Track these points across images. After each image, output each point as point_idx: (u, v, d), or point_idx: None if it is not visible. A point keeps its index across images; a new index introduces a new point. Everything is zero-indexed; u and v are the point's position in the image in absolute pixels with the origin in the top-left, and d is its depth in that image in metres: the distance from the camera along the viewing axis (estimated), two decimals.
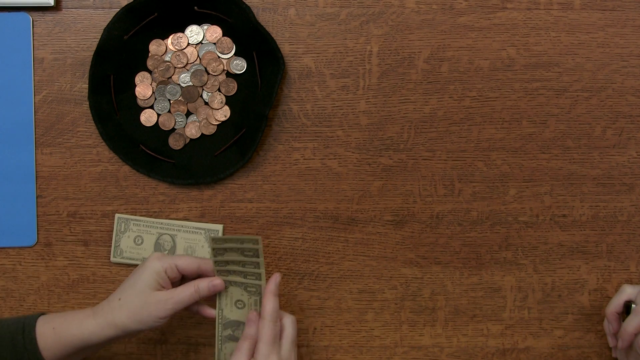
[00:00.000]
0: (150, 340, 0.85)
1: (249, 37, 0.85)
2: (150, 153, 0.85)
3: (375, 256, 0.86)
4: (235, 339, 0.77)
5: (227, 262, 0.75)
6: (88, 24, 0.86)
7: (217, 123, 0.85)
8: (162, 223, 0.85)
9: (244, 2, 0.84)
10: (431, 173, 0.86)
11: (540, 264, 0.86)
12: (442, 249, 0.86)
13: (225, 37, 0.85)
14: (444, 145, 0.86)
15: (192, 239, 0.85)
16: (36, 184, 0.85)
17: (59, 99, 0.86)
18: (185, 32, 0.85)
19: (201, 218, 0.86)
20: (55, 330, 0.73)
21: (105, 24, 0.84)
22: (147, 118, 0.85)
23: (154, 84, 0.85)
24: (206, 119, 0.85)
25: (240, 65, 0.85)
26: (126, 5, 0.84)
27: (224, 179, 0.86)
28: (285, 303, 0.86)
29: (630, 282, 0.86)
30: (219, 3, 0.84)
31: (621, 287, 0.81)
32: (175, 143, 0.85)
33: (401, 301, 0.86)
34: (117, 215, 0.85)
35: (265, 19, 0.86)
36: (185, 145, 0.86)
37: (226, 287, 0.76)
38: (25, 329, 0.73)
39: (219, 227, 0.85)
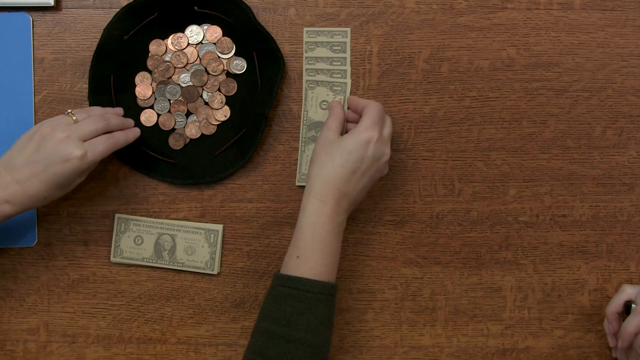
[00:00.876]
0: (150, 340, 0.86)
1: (249, 37, 0.85)
2: (150, 153, 0.85)
3: (375, 256, 0.86)
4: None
5: (316, 59, 0.79)
6: (88, 24, 0.86)
7: (217, 123, 0.85)
8: (162, 223, 0.85)
9: (244, 2, 0.84)
10: (431, 173, 0.86)
11: (540, 264, 0.86)
12: (442, 249, 0.86)
13: (225, 37, 0.85)
14: (444, 145, 0.86)
15: (192, 239, 0.85)
16: None
17: (59, 99, 0.86)
18: (185, 32, 0.85)
19: (201, 218, 0.86)
20: None
21: (105, 24, 0.84)
22: (147, 118, 0.85)
23: (154, 84, 0.85)
24: (206, 119, 0.85)
25: (240, 65, 0.85)
26: (126, 5, 0.84)
27: (224, 179, 0.86)
28: None
29: (630, 282, 0.86)
30: (219, 3, 0.84)
31: (621, 287, 0.81)
32: (175, 143, 0.85)
33: (401, 301, 0.86)
34: (117, 215, 0.85)
35: (265, 19, 0.86)
36: (185, 145, 0.86)
37: (312, 88, 0.81)
38: None
39: (219, 227, 0.85)
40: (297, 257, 0.74)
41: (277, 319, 0.71)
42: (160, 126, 0.85)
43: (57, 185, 0.74)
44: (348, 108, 0.82)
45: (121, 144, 0.79)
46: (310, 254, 0.73)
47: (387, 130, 0.78)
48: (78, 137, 0.74)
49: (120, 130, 0.80)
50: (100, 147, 0.75)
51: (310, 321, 0.71)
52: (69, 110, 0.78)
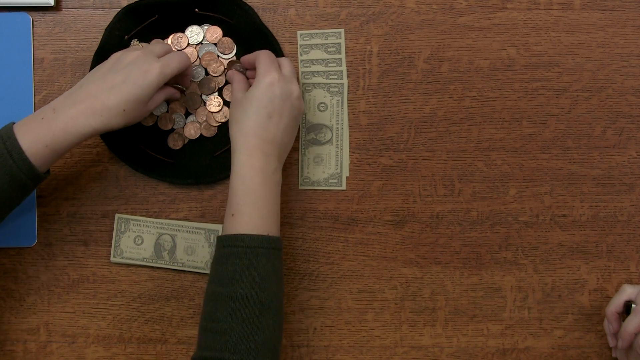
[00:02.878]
0: (150, 340, 0.86)
1: (251, 38, 0.84)
2: (150, 153, 0.85)
3: (375, 256, 0.86)
4: (317, 142, 0.81)
5: (312, 62, 0.79)
6: (88, 24, 0.86)
7: (218, 124, 0.85)
8: (162, 223, 0.85)
9: (247, 3, 0.84)
10: (431, 173, 0.86)
11: (540, 264, 0.86)
12: (442, 249, 0.86)
13: (226, 38, 0.85)
14: (444, 145, 0.86)
15: (192, 239, 0.85)
16: None
17: None
18: (186, 32, 0.85)
19: (201, 218, 0.86)
20: (49, 147, 0.71)
21: (106, 24, 0.84)
22: (146, 119, 0.85)
23: None
24: (206, 121, 0.85)
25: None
26: (127, 6, 0.84)
27: (224, 179, 0.85)
28: (286, 303, 0.86)
29: (630, 282, 0.86)
30: (220, 4, 0.84)
31: (621, 287, 0.81)
32: (174, 143, 0.85)
33: (401, 301, 0.86)
34: (117, 215, 0.85)
35: (265, 19, 0.86)
36: (185, 146, 0.86)
37: (309, 90, 0.82)
38: (13, 155, 0.70)
39: (219, 227, 0.85)
40: (232, 215, 0.73)
41: (220, 280, 0.71)
42: (159, 125, 0.85)
43: (137, 97, 0.73)
44: (246, 69, 0.82)
45: (190, 63, 0.80)
46: (244, 209, 0.73)
47: (287, 69, 0.78)
48: (152, 53, 0.76)
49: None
50: (175, 61, 0.76)
51: (253, 277, 0.70)
52: (135, 40, 0.81)
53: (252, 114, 0.75)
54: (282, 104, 0.75)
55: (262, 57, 0.78)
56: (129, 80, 0.73)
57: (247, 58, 0.82)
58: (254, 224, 0.72)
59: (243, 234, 0.72)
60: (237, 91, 0.79)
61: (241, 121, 0.75)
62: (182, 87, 0.83)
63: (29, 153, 0.70)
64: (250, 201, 0.73)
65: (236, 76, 0.81)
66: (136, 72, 0.73)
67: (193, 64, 0.85)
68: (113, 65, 0.75)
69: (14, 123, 0.72)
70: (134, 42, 0.83)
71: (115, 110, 0.73)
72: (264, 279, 0.71)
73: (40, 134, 0.71)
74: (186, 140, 0.85)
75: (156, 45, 0.79)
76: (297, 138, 0.85)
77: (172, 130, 0.85)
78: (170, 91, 0.80)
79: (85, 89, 0.73)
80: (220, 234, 0.74)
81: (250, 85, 0.79)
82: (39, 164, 0.71)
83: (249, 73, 0.82)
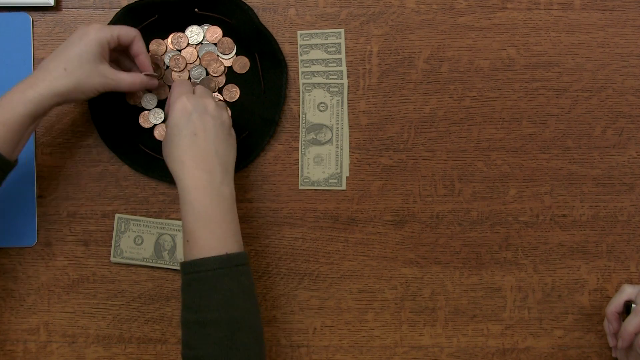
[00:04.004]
0: (150, 340, 0.86)
1: (251, 38, 0.84)
2: (150, 152, 0.85)
3: (375, 256, 0.86)
4: (317, 142, 0.81)
5: (312, 62, 0.79)
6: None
7: None
8: (162, 223, 0.85)
9: (246, 4, 0.84)
10: (431, 173, 0.86)
11: (540, 264, 0.86)
12: (442, 249, 0.86)
13: (226, 38, 0.85)
14: (444, 145, 0.86)
15: None
16: (36, 184, 0.85)
17: None
18: (186, 32, 0.85)
19: None
20: (5, 125, 0.71)
21: (105, 24, 0.84)
22: (146, 119, 0.85)
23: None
24: None
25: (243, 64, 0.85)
26: (127, 6, 0.84)
27: None
28: (286, 303, 0.86)
29: (630, 282, 0.86)
30: (220, 4, 0.84)
31: (621, 287, 0.81)
32: None
33: (401, 301, 0.86)
34: (117, 215, 0.85)
35: (265, 19, 0.86)
36: None
37: (309, 90, 0.82)
38: None
39: None
40: (187, 241, 0.72)
41: (189, 307, 0.70)
42: (158, 138, 0.85)
43: (75, 55, 0.74)
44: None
45: (136, 36, 0.79)
46: (197, 234, 0.71)
47: (198, 90, 0.77)
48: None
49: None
50: (117, 27, 0.77)
51: (219, 299, 0.69)
52: None
53: (178, 140, 0.74)
54: (201, 118, 0.74)
55: (172, 88, 0.78)
56: (68, 43, 0.75)
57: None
58: (210, 246, 0.71)
59: (201, 259, 0.70)
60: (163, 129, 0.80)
61: (172, 152, 0.74)
62: (154, 73, 0.81)
63: None
64: (201, 225, 0.71)
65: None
66: (75, 35, 0.75)
67: (193, 64, 0.85)
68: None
69: None
70: None
71: (55, 72, 0.73)
72: (231, 299, 0.69)
73: None
74: None
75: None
76: (297, 138, 0.85)
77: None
78: (140, 77, 0.79)
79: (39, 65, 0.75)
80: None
81: None
82: (3, 150, 0.71)
83: None
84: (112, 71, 0.77)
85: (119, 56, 0.82)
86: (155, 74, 0.82)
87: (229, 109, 0.83)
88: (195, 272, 0.70)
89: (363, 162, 0.86)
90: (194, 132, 0.74)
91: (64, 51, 0.74)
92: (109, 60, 0.78)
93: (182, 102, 0.75)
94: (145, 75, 0.80)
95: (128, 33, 0.78)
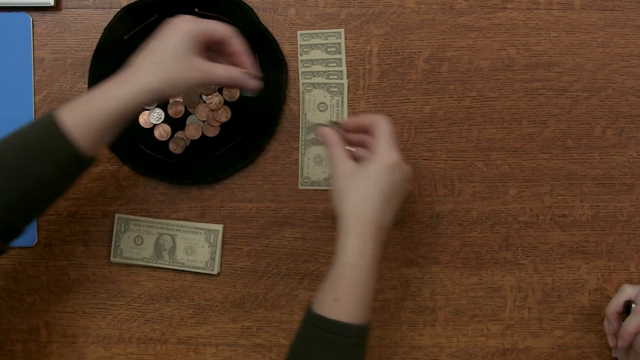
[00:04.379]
0: (150, 340, 0.86)
1: (251, 38, 0.84)
2: (150, 152, 0.85)
3: None
4: (317, 142, 0.82)
5: (312, 62, 0.79)
6: (88, 24, 0.86)
7: (218, 125, 0.85)
8: (162, 223, 0.85)
9: (246, 4, 0.84)
10: (431, 173, 0.86)
11: (540, 264, 0.86)
12: (442, 249, 0.86)
13: None
14: (444, 145, 0.86)
15: (192, 239, 0.85)
16: None
17: (59, 99, 0.86)
18: None
19: (201, 218, 0.86)
20: (86, 115, 0.68)
21: (105, 24, 0.84)
22: (146, 120, 0.85)
23: None
24: (207, 121, 0.85)
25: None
26: (127, 6, 0.84)
27: (224, 179, 0.86)
28: (286, 303, 0.86)
29: (630, 282, 0.86)
30: (220, 4, 0.84)
31: (621, 287, 0.81)
32: (175, 148, 0.85)
33: (401, 301, 0.86)
34: (117, 215, 0.85)
35: (265, 19, 0.86)
36: (186, 147, 0.86)
37: (309, 90, 0.82)
38: (52, 132, 0.67)
39: (219, 227, 0.85)
40: (336, 299, 0.69)
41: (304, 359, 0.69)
42: (158, 138, 0.85)
43: (165, 48, 0.70)
44: (335, 123, 0.77)
45: (231, 35, 0.73)
46: (349, 298, 0.69)
47: (394, 145, 0.73)
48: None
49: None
50: (211, 22, 0.72)
51: None
52: None
53: (371, 197, 0.70)
54: (400, 188, 0.72)
55: (384, 131, 0.72)
56: (160, 37, 0.71)
57: (355, 122, 0.76)
58: (357, 314, 0.69)
59: (344, 323, 0.68)
60: (340, 159, 0.72)
61: (357, 203, 0.70)
62: (254, 73, 0.74)
63: (76, 136, 0.67)
64: (358, 291, 0.69)
65: (332, 139, 0.74)
66: (167, 28, 0.71)
67: None
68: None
69: (54, 109, 0.69)
70: None
71: (145, 67, 0.70)
72: None
73: (81, 110, 0.68)
74: (188, 143, 0.85)
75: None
76: (297, 138, 0.85)
77: (172, 136, 0.85)
78: (238, 71, 0.73)
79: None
80: (312, 306, 0.71)
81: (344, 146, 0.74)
82: (84, 145, 0.67)
83: (352, 136, 0.76)
84: (205, 63, 0.71)
85: (216, 57, 0.75)
86: (257, 74, 0.75)
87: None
88: (334, 332, 0.68)
89: None
90: (388, 199, 0.71)
91: (155, 46, 0.70)
92: (202, 56, 0.72)
93: (393, 161, 0.70)
94: (244, 71, 0.73)
95: (221, 29, 0.72)
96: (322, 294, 0.70)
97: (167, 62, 0.70)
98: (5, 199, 0.66)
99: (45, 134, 0.67)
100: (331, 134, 0.74)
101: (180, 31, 0.70)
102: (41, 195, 0.69)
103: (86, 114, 0.68)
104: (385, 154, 0.71)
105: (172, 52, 0.70)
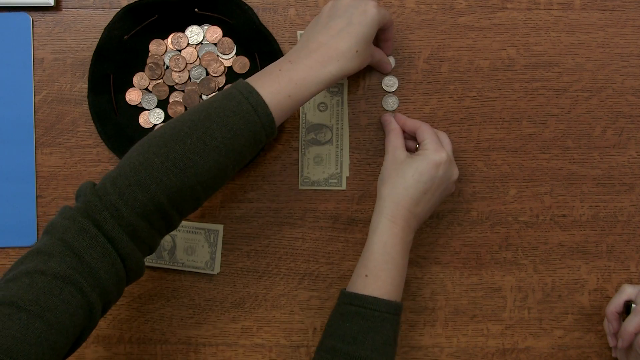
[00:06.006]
0: (150, 341, 0.86)
1: (251, 38, 0.84)
2: None
3: None
4: (317, 142, 0.82)
5: None
6: (88, 24, 0.86)
7: None
8: None
9: (246, 4, 0.84)
10: None
11: (540, 264, 0.86)
12: (442, 249, 0.86)
13: (226, 38, 0.85)
14: None
15: (192, 239, 0.85)
16: (36, 184, 0.85)
17: (59, 99, 0.86)
18: (186, 32, 0.85)
19: (201, 218, 0.86)
20: (292, 97, 0.70)
21: (105, 24, 0.84)
22: (146, 120, 0.85)
23: (152, 83, 0.85)
24: None
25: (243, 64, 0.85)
26: (127, 6, 0.84)
27: None
28: (286, 303, 0.86)
29: (630, 282, 0.86)
30: (220, 4, 0.84)
31: (621, 287, 0.81)
32: None
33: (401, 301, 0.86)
34: None
35: (265, 19, 0.86)
36: None
37: None
38: (257, 110, 0.68)
39: (219, 227, 0.85)
40: (366, 275, 0.74)
41: (342, 337, 0.71)
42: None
43: (364, 36, 0.73)
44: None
45: (391, 21, 0.80)
46: (379, 273, 0.74)
47: (449, 147, 0.80)
48: None
49: None
50: (383, 8, 0.77)
51: (376, 340, 0.71)
52: None
53: (410, 185, 0.75)
54: (441, 185, 0.77)
55: (431, 133, 0.79)
56: (353, 21, 0.73)
57: (404, 120, 0.82)
58: (386, 289, 0.73)
59: (375, 297, 0.72)
60: (396, 148, 0.79)
61: (396, 187, 0.76)
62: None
63: (272, 106, 0.68)
64: (387, 267, 0.74)
65: (394, 127, 0.81)
66: (357, 13, 0.73)
67: (193, 64, 0.85)
68: (330, 12, 0.74)
69: (242, 79, 0.70)
70: None
71: (348, 53, 0.72)
72: (385, 344, 0.71)
73: (282, 85, 0.69)
74: None
75: None
76: (297, 138, 0.85)
77: None
78: (383, 54, 0.82)
79: (314, 39, 0.73)
80: (347, 289, 0.75)
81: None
82: (277, 117, 0.69)
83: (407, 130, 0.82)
84: (376, 50, 0.80)
85: None
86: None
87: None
88: (364, 307, 0.72)
89: (363, 162, 0.86)
90: (426, 191, 0.76)
91: (350, 30, 0.73)
92: None
93: (440, 159, 0.76)
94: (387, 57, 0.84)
95: (390, 17, 0.78)
96: (354, 274, 0.75)
97: (364, 50, 0.73)
98: (203, 177, 0.66)
99: (246, 105, 0.67)
100: (393, 122, 0.82)
101: (373, 18, 0.74)
102: (232, 165, 0.69)
103: (295, 99, 0.70)
104: (433, 150, 0.77)
105: (366, 40, 0.74)
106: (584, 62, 0.86)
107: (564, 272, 0.86)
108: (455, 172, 0.78)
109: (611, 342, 0.83)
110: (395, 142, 0.80)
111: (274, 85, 0.69)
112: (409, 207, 0.75)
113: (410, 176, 0.76)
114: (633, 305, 0.79)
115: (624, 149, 0.86)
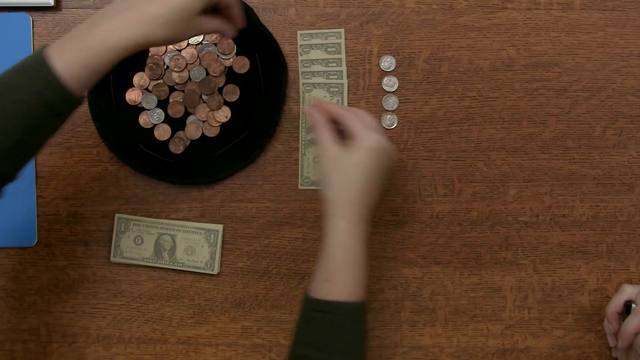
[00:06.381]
0: (150, 340, 0.86)
1: (251, 38, 0.84)
2: (150, 152, 0.85)
3: (375, 256, 0.86)
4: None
5: (312, 62, 0.79)
6: None
7: (218, 124, 0.85)
8: (162, 223, 0.85)
9: (246, 4, 0.84)
10: (431, 173, 0.86)
11: (540, 264, 0.86)
12: (442, 249, 0.86)
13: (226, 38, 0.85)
14: (444, 145, 0.86)
15: (192, 239, 0.85)
16: (36, 184, 0.85)
17: None
18: None
19: (201, 218, 0.86)
20: (88, 66, 0.65)
21: None
22: (145, 120, 0.85)
23: (152, 83, 0.85)
24: (207, 121, 0.85)
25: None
26: None
27: (224, 179, 0.86)
28: (286, 303, 0.86)
29: (630, 282, 0.86)
30: None
31: (621, 287, 0.81)
32: (175, 148, 0.85)
33: (401, 301, 0.86)
34: (117, 215, 0.85)
35: (265, 19, 0.86)
36: (186, 147, 0.86)
37: (309, 90, 0.82)
38: (51, 85, 0.64)
39: (219, 227, 0.85)
40: (328, 280, 0.71)
41: (312, 344, 0.70)
42: (158, 138, 0.85)
43: (180, 7, 0.67)
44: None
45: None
46: (342, 276, 0.71)
47: (374, 124, 0.75)
48: None
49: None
50: None
51: (345, 343, 0.70)
52: None
53: (356, 180, 0.72)
54: (382, 166, 0.73)
55: (352, 119, 0.74)
56: None
57: (329, 110, 0.76)
58: (350, 291, 0.71)
59: (339, 302, 0.70)
60: (328, 143, 0.74)
61: (343, 186, 0.72)
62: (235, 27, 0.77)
63: (67, 77, 0.64)
64: (348, 269, 0.71)
65: (322, 124, 0.76)
66: None
67: (193, 64, 0.85)
68: None
69: (46, 46, 0.66)
70: None
71: (157, 20, 0.67)
72: (355, 345, 0.71)
73: (76, 53, 0.65)
74: (188, 143, 0.85)
75: None
76: (297, 138, 0.85)
77: (172, 136, 0.85)
78: (222, 24, 0.74)
79: (124, 0, 0.68)
80: (308, 293, 0.73)
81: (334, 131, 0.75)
82: (76, 87, 0.65)
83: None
84: (204, 23, 0.71)
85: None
86: (241, 26, 0.77)
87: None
88: (331, 312, 0.70)
89: None
90: (374, 180, 0.73)
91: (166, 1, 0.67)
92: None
93: (377, 144, 0.72)
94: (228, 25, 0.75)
95: None
96: (315, 279, 0.73)
97: (176, 22, 0.68)
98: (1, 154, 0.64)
99: (37, 79, 0.64)
100: (316, 114, 0.76)
101: None
102: (32, 140, 0.67)
103: (84, 62, 0.65)
104: (366, 138, 0.72)
105: (181, 13, 0.68)
106: (584, 62, 0.86)
107: (564, 272, 0.86)
108: (393, 151, 0.75)
109: (611, 342, 0.83)
110: (324, 138, 0.74)
111: (68, 54, 0.65)
112: (359, 201, 0.72)
113: (352, 171, 0.72)
114: (633, 305, 0.79)
115: (624, 149, 0.86)
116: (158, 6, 0.67)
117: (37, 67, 0.65)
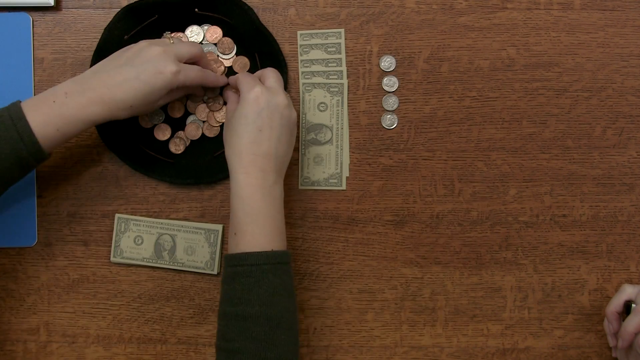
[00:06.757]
0: (150, 340, 0.86)
1: (251, 38, 0.85)
2: (150, 152, 0.85)
3: (375, 256, 0.86)
4: (317, 142, 0.82)
5: (312, 62, 0.80)
6: (88, 24, 0.86)
7: (218, 124, 0.85)
8: (162, 223, 0.85)
9: (246, 4, 0.84)
10: (431, 173, 0.86)
11: (540, 264, 0.86)
12: (442, 249, 0.86)
13: (226, 38, 0.85)
14: (444, 145, 0.86)
15: (192, 239, 0.85)
16: (36, 184, 0.85)
17: None
18: (186, 32, 0.85)
19: (201, 218, 0.86)
20: (60, 130, 0.72)
21: (105, 24, 0.84)
22: (146, 120, 0.85)
23: None
24: (207, 120, 0.85)
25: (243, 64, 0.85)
26: (127, 6, 0.84)
27: (224, 179, 0.86)
28: None
29: (630, 282, 0.86)
30: (220, 5, 0.84)
31: (621, 287, 0.81)
32: (175, 148, 0.85)
33: (401, 301, 0.86)
34: (117, 215, 0.85)
35: (265, 19, 0.86)
36: (186, 147, 0.86)
37: (309, 90, 0.83)
38: (24, 138, 0.70)
39: (219, 227, 0.85)
40: (235, 234, 0.73)
41: (229, 300, 0.71)
42: (158, 138, 0.85)
43: (145, 95, 0.73)
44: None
45: (210, 82, 0.80)
46: (246, 228, 0.73)
47: (270, 80, 0.78)
48: (174, 54, 0.75)
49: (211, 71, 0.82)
50: (193, 73, 0.77)
51: (261, 294, 0.70)
52: (168, 32, 0.82)
53: (242, 131, 0.75)
54: (271, 115, 0.75)
55: (242, 76, 0.78)
56: (140, 77, 0.73)
57: (231, 81, 0.82)
58: (257, 242, 0.73)
59: (247, 252, 0.72)
60: (229, 112, 0.80)
61: (233, 141, 0.75)
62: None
63: (40, 136, 0.70)
64: (251, 219, 0.73)
65: (231, 97, 0.82)
66: (150, 71, 0.73)
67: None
68: (132, 57, 0.74)
69: (20, 102, 0.72)
70: (167, 34, 0.83)
71: (122, 104, 0.73)
72: (272, 295, 0.71)
73: (52, 117, 0.71)
74: (188, 142, 0.85)
75: (184, 46, 0.78)
76: (298, 138, 0.85)
77: (172, 136, 0.85)
78: (198, 77, 0.79)
79: (98, 77, 0.74)
80: (226, 252, 0.75)
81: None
82: (46, 146, 0.72)
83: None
84: (174, 94, 0.79)
85: None
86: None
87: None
88: (241, 265, 0.72)
89: (363, 162, 0.86)
90: (260, 128, 0.75)
91: (134, 84, 0.73)
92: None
93: (255, 94, 0.75)
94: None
95: (201, 80, 0.78)
96: (228, 235, 0.75)
97: (140, 105, 0.74)
98: None
99: (13, 131, 0.70)
100: (229, 94, 0.82)
101: (165, 82, 0.74)
102: None
103: (63, 132, 0.72)
104: (246, 91, 0.76)
105: (146, 98, 0.74)
106: (584, 62, 0.86)
107: (564, 272, 0.86)
108: (280, 100, 0.76)
109: (611, 342, 0.83)
110: (228, 108, 0.81)
111: (45, 116, 0.71)
112: (252, 151, 0.74)
113: (238, 124, 0.75)
114: (633, 305, 0.79)
115: (624, 149, 0.86)
116: (126, 92, 0.73)
117: (15, 119, 0.70)
